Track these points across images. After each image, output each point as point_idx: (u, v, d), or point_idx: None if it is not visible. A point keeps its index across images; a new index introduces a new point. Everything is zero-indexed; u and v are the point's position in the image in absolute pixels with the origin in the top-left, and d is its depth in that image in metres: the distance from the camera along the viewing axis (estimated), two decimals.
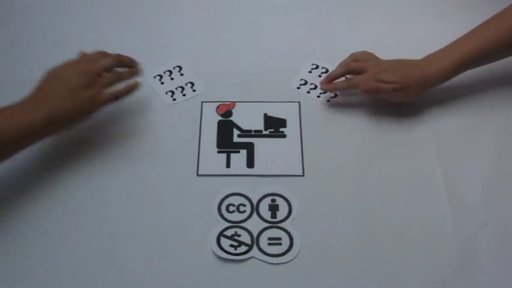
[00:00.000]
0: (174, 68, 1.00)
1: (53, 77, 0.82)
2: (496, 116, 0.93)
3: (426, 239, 0.80)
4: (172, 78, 0.99)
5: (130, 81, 0.88)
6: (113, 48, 1.02)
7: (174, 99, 0.96)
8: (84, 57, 0.87)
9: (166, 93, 0.97)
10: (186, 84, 0.98)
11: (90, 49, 1.01)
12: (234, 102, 0.95)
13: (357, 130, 0.91)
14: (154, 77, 0.99)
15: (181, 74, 0.99)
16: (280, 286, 0.76)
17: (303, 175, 0.87)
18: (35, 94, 0.81)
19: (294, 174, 0.87)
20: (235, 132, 0.92)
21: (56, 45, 1.03)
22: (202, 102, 0.95)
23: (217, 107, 0.95)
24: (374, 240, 0.80)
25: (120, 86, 0.87)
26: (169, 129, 0.92)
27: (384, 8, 1.09)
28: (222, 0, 1.11)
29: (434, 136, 0.90)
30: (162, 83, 0.98)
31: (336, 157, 0.89)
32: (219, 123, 0.93)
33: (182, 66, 1.00)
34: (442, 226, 0.81)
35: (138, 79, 0.89)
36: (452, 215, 0.82)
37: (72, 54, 1.01)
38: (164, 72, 0.99)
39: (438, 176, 0.86)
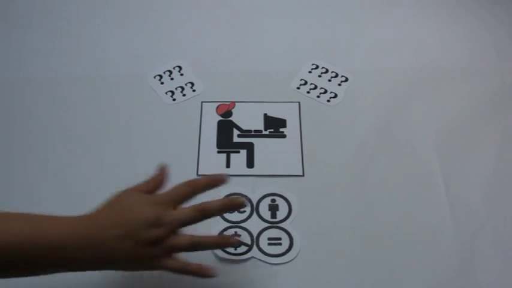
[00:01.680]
0: (174, 68, 1.00)
1: (124, 215, 0.66)
2: (496, 116, 0.93)
3: (426, 239, 0.80)
4: (172, 78, 0.99)
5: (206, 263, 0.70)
6: (113, 48, 1.03)
7: (174, 99, 0.96)
8: (166, 196, 0.69)
9: (166, 93, 0.97)
10: (186, 84, 0.98)
11: (90, 49, 1.02)
12: (234, 102, 0.95)
13: (357, 130, 0.91)
14: (154, 77, 0.99)
15: (181, 74, 0.99)
16: (280, 286, 0.76)
17: (303, 175, 0.87)
18: (96, 221, 0.66)
19: (294, 174, 0.87)
20: (235, 132, 0.92)
21: (57, 46, 1.03)
22: (202, 102, 0.95)
23: (217, 107, 0.95)
24: (374, 240, 0.80)
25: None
26: (169, 129, 0.92)
27: (384, 8, 1.09)
28: (222, 0, 1.11)
29: (434, 136, 0.90)
30: (162, 83, 0.98)
31: (336, 157, 0.88)
32: (219, 123, 0.93)
33: (182, 66, 1.00)
34: (442, 226, 0.81)
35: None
36: (452, 214, 0.82)
37: (72, 54, 1.02)
38: (164, 72, 0.99)
39: (438, 176, 0.86)
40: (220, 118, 0.94)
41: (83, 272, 0.66)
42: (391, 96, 0.95)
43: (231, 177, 0.85)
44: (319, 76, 0.99)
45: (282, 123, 0.93)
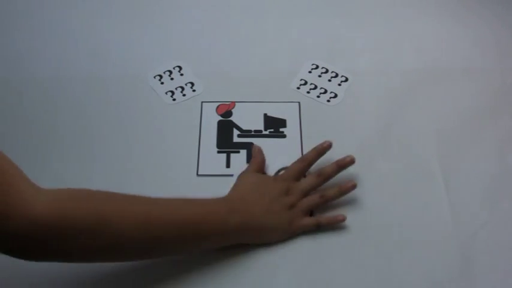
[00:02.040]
0: (174, 68, 1.00)
1: (257, 189, 0.80)
2: (497, 116, 0.92)
3: (426, 239, 0.80)
4: (172, 78, 0.99)
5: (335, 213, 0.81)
6: (113, 48, 1.03)
7: (174, 99, 0.96)
8: (288, 173, 0.83)
9: (166, 93, 0.97)
10: (186, 84, 0.98)
11: (89, 49, 1.02)
12: (234, 102, 0.95)
13: (357, 130, 0.91)
14: (154, 77, 0.99)
15: (181, 74, 0.99)
16: (280, 286, 0.76)
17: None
18: (237, 198, 0.79)
19: None
20: (235, 132, 0.92)
21: (57, 46, 1.03)
22: (202, 102, 0.95)
23: (217, 107, 0.95)
24: (374, 240, 0.80)
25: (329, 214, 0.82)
26: (169, 129, 0.92)
27: (384, 8, 1.09)
28: (222, 0, 1.11)
29: (434, 136, 0.90)
30: (162, 83, 0.98)
31: (335, 157, 0.88)
32: (219, 123, 0.93)
33: (182, 66, 1.00)
34: (442, 226, 0.81)
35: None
36: (452, 215, 0.82)
37: (72, 54, 1.02)
38: (164, 72, 0.99)
39: (438, 176, 0.85)
40: (220, 118, 0.94)
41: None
42: (391, 96, 0.95)
43: (231, 178, 0.86)
44: (319, 76, 0.99)
45: (282, 123, 0.93)
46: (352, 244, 0.79)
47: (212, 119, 0.93)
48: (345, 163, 0.82)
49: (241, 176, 0.84)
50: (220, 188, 0.84)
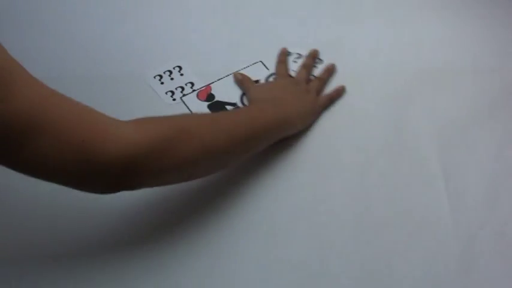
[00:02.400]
0: (174, 68, 1.00)
1: (273, 89, 0.93)
2: (497, 116, 0.93)
3: (426, 239, 0.80)
4: (172, 78, 0.99)
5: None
6: (112, 48, 1.03)
7: (174, 99, 0.96)
8: (280, 72, 0.97)
9: (166, 93, 0.97)
10: (186, 84, 0.98)
11: (89, 49, 1.02)
12: (209, 85, 0.97)
13: (357, 130, 0.91)
14: (154, 77, 0.99)
15: (181, 74, 0.99)
16: (282, 285, 0.76)
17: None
18: (267, 101, 0.88)
19: None
20: (229, 108, 0.94)
21: (56, 46, 1.03)
22: (181, 97, 0.96)
23: (197, 94, 0.96)
24: (374, 240, 0.80)
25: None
26: None
27: (384, 8, 1.09)
28: (221, 0, 1.11)
29: (434, 136, 0.90)
30: (162, 83, 0.98)
31: (335, 157, 0.88)
32: (210, 107, 0.94)
33: (182, 66, 1.00)
34: (442, 226, 0.81)
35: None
36: (452, 215, 0.82)
37: (71, 54, 1.02)
38: (164, 72, 1.00)
39: (438, 176, 0.86)
40: (208, 103, 0.95)
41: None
42: (391, 96, 0.95)
43: None
44: None
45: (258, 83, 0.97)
46: (352, 244, 0.79)
47: (202, 107, 0.94)
48: (316, 50, 1.00)
49: (250, 97, 0.93)
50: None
